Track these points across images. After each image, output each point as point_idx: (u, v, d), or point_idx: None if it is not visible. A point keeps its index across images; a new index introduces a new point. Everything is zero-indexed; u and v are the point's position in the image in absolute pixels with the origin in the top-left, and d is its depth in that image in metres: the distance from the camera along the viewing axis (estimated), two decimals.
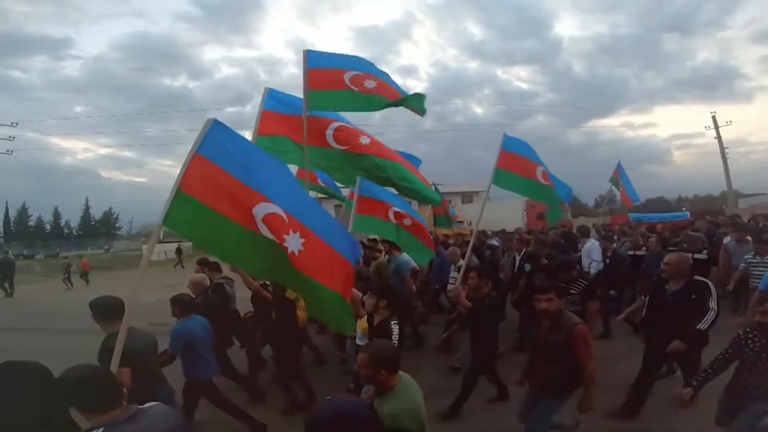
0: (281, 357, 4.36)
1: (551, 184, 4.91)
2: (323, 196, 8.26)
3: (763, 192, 38.07)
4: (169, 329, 3.58)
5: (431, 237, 5.79)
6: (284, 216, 2.41)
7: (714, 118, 29.06)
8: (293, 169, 5.14)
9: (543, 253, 6.20)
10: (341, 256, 2.65)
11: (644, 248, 7.19)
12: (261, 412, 4.03)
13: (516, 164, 4.69)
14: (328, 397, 1.50)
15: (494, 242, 9.58)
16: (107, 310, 2.77)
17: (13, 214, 53.06)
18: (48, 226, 55.11)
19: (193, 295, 4.35)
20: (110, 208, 58.77)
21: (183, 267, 22.29)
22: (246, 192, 2.36)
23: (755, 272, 5.25)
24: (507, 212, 16.39)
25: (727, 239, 7.44)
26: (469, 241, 5.24)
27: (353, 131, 4.91)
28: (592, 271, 6.15)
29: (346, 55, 4.66)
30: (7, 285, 14.55)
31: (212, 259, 4.83)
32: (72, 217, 57.04)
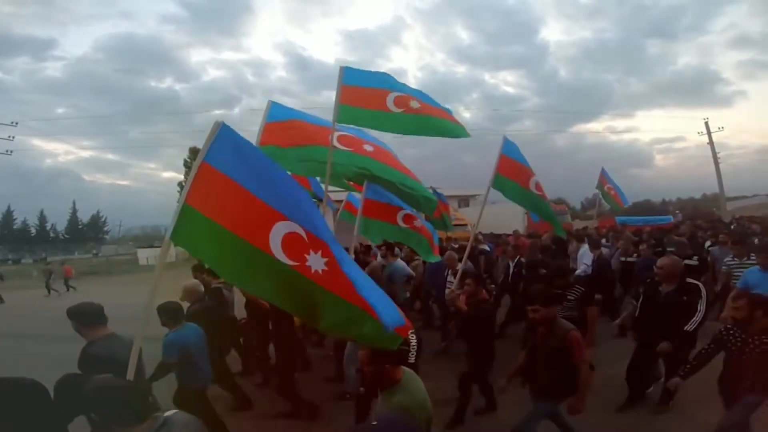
0: (280, 366, 4.31)
1: (545, 195, 4.96)
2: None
3: (745, 195, 39.03)
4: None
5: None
6: (304, 234, 2.18)
7: (706, 124, 29.79)
8: None
9: (537, 260, 6.26)
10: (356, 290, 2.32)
11: (635, 255, 7.28)
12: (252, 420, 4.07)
13: (513, 170, 4.72)
14: (374, 423, 1.39)
15: (485, 247, 9.65)
16: (88, 317, 2.69)
17: None
18: (33, 230, 53.85)
19: (188, 303, 4.27)
20: (98, 212, 57.68)
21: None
22: (260, 207, 2.14)
23: (736, 273, 5.45)
24: (507, 215, 16.49)
25: (707, 244, 7.66)
26: (460, 246, 5.29)
27: (357, 139, 4.92)
28: (580, 273, 6.29)
29: (386, 74, 4.59)
30: None
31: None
32: (58, 221, 55.87)
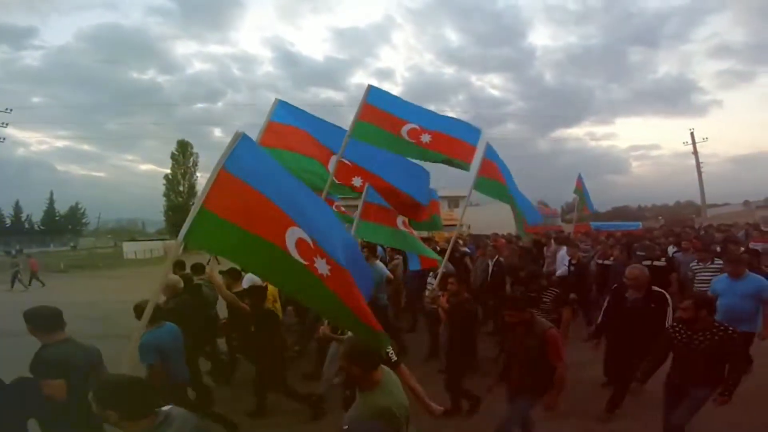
0: (263, 372, 4.25)
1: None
2: None
3: (716, 203, 40.51)
4: None
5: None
6: (310, 242, 2.32)
7: (692, 134, 31.46)
8: None
9: (515, 264, 6.41)
10: (359, 292, 2.47)
11: (611, 258, 7.49)
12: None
13: (494, 173, 4.97)
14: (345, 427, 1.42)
15: (467, 249, 9.79)
16: (44, 321, 2.62)
17: None
18: (8, 221, 51.59)
19: (165, 298, 4.21)
20: (77, 203, 55.54)
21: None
22: (275, 211, 2.26)
23: (699, 277, 5.73)
24: (501, 215, 16.77)
25: (671, 249, 7.99)
26: (442, 249, 5.38)
27: (351, 169, 5.05)
28: (560, 275, 6.45)
29: (410, 104, 4.80)
30: None
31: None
32: (32, 212, 53.63)
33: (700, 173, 31.21)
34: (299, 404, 4.20)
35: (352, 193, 5.38)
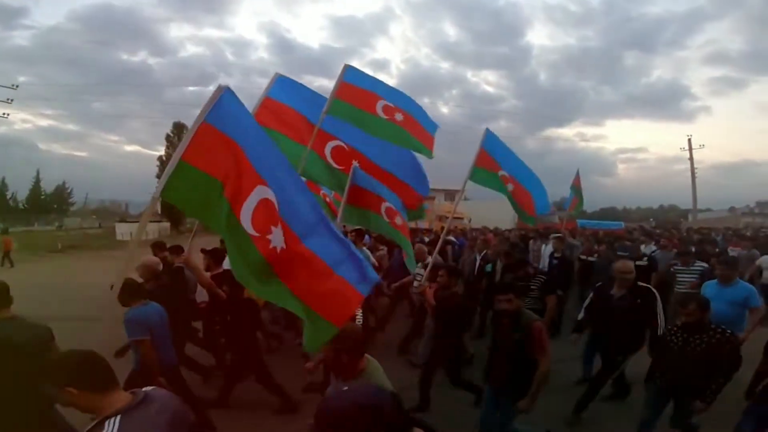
0: (241, 362, 4.09)
1: (509, 191, 5.12)
2: None
3: (699, 208, 41.65)
4: None
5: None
6: (276, 205, 2.25)
7: (689, 141, 32.26)
8: None
9: (506, 249, 6.37)
10: (338, 277, 2.31)
11: (595, 254, 7.66)
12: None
13: (490, 165, 4.88)
14: (345, 387, 1.31)
15: (451, 238, 9.82)
16: None
17: None
18: None
19: (142, 280, 4.03)
20: (63, 183, 53.85)
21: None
22: (247, 167, 2.18)
23: (680, 278, 5.82)
24: (501, 209, 16.98)
25: (650, 248, 8.13)
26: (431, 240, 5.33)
27: (348, 153, 4.90)
28: (542, 268, 6.50)
29: (384, 83, 4.80)
30: None
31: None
32: (16, 190, 51.82)
33: (694, 179, 32.27)
34: (278, 398, 4.01)
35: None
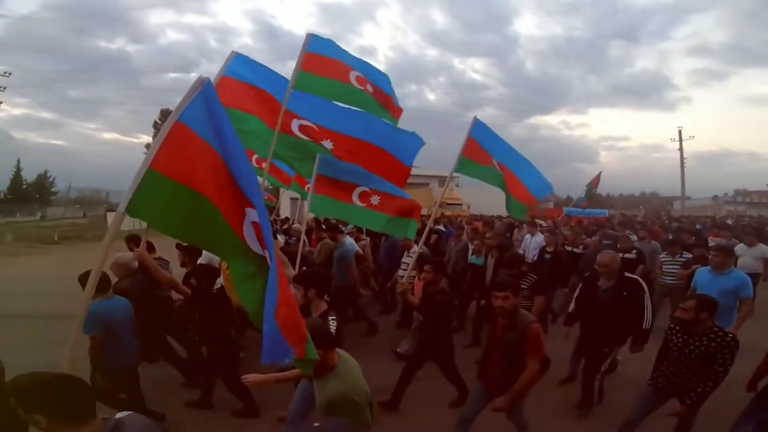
0: (212, 360, 3.91)
1: (508, 176, 4.88)
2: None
3: (677, 196, 42.78)
4: None
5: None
6: (261, 228, 1.95)
7: (680, 132, 33.46)
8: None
9: (502, 242, 6.20)
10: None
11: (581, 246, 7.52)
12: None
13: (478, 154, 4.66)
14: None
15: (440, 227, 9.70)
16: None
17: None
18: None
19: (117, 278, 3.88)
20: (45, 171, 51.91)
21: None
22: (235, 188, 1.89)
23: (666, 270, 5.81)
24: (501, 196, 17.05)
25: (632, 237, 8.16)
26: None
27: (317, 130, 4.61)
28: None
29: (350, 54, 4.58)
30: None
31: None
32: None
33: (683, 169, 33.96)
34: (239, 401, 3.83)
35: None
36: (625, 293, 3.68)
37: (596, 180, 11.07)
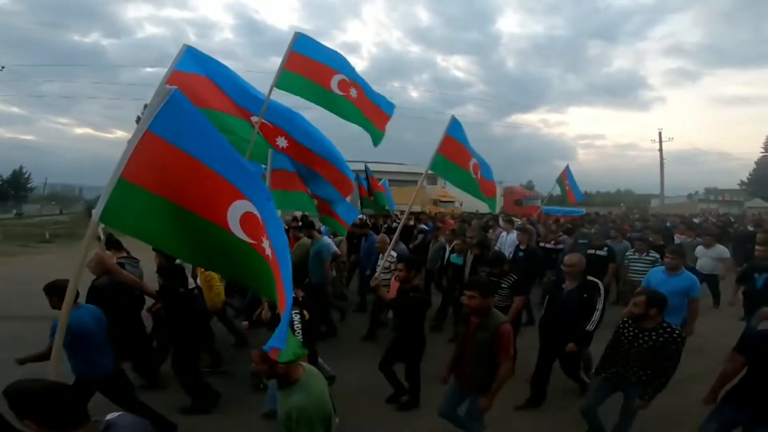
0: (177, 357, 3.88)
1: (480, 179, 5.01)
2: None
3: (652, 193, 44.24)
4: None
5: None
6: (260, 218, 2.02)
7: (660, 133, 35.42)
8: None
9: (484, 241, 6.30)
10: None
11: (552, 242, 7.70)
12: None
13: (455, 152, 4.71)
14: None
15: (424, 226, 9.74)
16: None
17: None
18: None
19: (95, 275, 3.88)
20: (21, 167, 49.66)
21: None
22: (216, 181, 1.92)
23: (633, 267, 6.01)
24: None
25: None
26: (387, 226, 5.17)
27: (272, 128, 4.58)
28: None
29: (337, 54, 4.51)
30: None
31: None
32: None
33: (662, 168, 35.96)
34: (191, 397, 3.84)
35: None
36: (585, 296, 3.79)
37: (564, 174, 11.28)
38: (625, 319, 3.23)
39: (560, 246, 7.55)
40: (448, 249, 6.70)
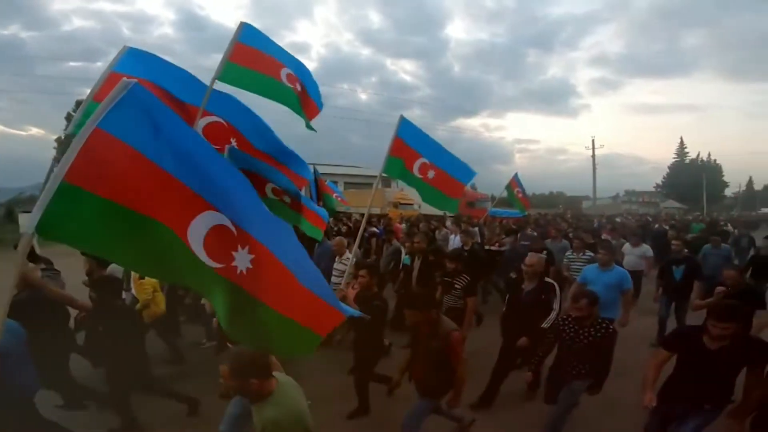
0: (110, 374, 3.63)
1: (427, 179, 4.90)
2: None
3: (576, 195, 48.53)
4: None
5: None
6: (232, 228, 1.78)
7: (593, 141, 40.06)
8: None
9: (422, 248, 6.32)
10: (305, 289, 1.92)
11: (497, 244, 8.01)
12: None
13: (403, 152, 4.67)
14: None
15: (375, 229, 9.77)
16: None
17: None
18: None
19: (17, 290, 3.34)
20: None
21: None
22: (180, 191, 1.69)
23: (573, 266, 6.39)
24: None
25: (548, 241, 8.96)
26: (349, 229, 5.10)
27: (227, 129, 4.39)
28: None
29: (284, 50, 4.41)
30: None
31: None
32: None
33: (594, 172, 40.46)
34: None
35: None
36: (543, 297, 3.96)
37: (513, 182, 11.92)
38: (565, 317, 3.41)
39: (503, 248, 7.78)
40: (403, 252, 6.78)
